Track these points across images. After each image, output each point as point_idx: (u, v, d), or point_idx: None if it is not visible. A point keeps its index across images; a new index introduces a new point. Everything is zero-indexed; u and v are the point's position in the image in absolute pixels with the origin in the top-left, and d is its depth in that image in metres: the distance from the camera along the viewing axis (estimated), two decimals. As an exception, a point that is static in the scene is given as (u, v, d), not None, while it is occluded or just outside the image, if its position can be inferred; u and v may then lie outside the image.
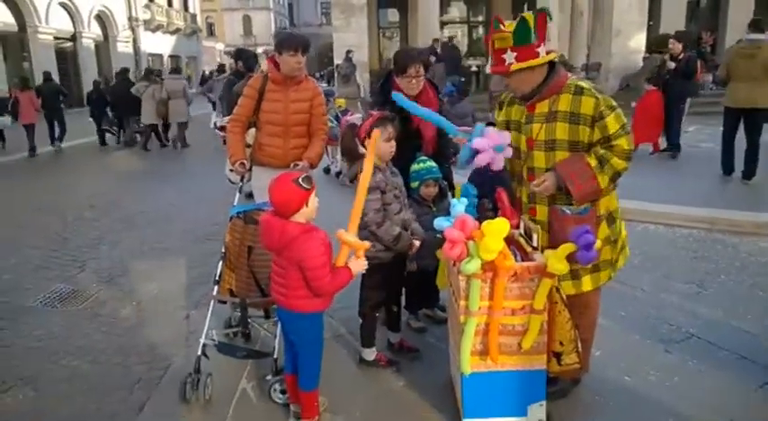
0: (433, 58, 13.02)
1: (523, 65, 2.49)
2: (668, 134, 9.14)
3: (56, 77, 13.99)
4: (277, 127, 3.63)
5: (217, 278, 3.14)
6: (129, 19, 30.27)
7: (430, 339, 3.55)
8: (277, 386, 2.86)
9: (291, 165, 3.49)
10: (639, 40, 16.41)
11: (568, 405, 2.83)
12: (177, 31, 35.92)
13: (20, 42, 22.57)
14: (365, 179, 2.49)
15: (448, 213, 2.95)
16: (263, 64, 6.06)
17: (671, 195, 6.40)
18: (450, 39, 18.90)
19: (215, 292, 3.11)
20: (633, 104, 9.21)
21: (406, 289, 3.48)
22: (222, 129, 7.60)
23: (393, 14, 22.67)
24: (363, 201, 2.50)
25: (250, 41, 46.77)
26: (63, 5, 24.45)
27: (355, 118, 7.66)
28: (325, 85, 22.20)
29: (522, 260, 2.52)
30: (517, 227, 2.70)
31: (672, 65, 8.86)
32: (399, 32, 22.43)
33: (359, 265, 2.47)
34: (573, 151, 2.55)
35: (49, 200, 8.05)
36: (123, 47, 29.48)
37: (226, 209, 6.74)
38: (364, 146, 3.00)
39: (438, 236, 3.15)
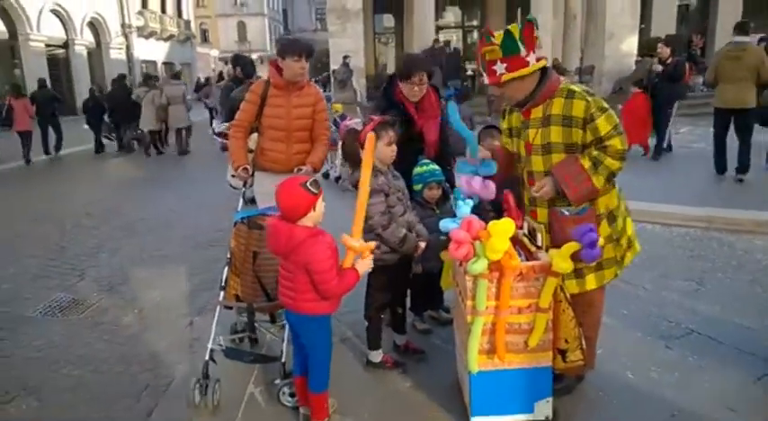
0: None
1: (514, 75, 2.56)
2: (657, 137, 9.20)
3: (48, 86, 13.93)
4: (280, 132, 3.66)
5: (223, 284, 3.15)
6: (122, 26, 30.15)
7: (435, 341, 3.58)
8: (286, 389, 2.88)
9: (295, 169, 3.52)
10: (632, 44, 16.56)
11: (573, 401, 2.86)
12: (171, 37, 35.82)
13: (11, 50, 22.44)
14: (364, 184, 2.51)
15: (451, 215, 3.00)
16: (263, 72, 6.07)
17: (666, 195, 6.49)
18: (447, 43, 18.99)
19: (221, 298, 3.12)
20: (620, 107, 9.30)
21: (411, 291, 3.51)
22: (220, 135, 7.64)
23: (388, 20, 22.79)
24: (365, 205, 2.53)
25: (245, 47, 46.79)
26: (55, 12, 24.32)
27: (354, 123, 7.70)
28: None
29: (527, 259, 2.56)
30: (521, 227, 2.74)
31: (659, 68, 8.99)
32: (395, 38, 22.54)
33: (365, 265, 2.50)
34: (569, 153, 2.61)
35: (45, 208, 8.03)
36: (116, 54, 29.37)
37: (226, 215, 6.78)
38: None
39: (442, 237, 3.20)
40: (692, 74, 14.48)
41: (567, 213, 2.61)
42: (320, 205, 2.46)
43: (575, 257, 2.41)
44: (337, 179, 8.43)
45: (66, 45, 25.42)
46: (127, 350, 3.71)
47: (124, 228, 6.74)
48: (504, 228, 2.34)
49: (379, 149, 2.97)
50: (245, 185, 3.67)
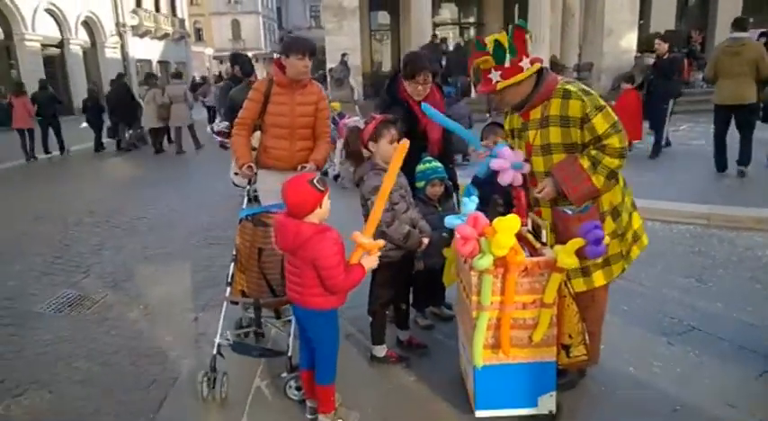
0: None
1: (509, 82, 2.60)
2: (654, 134, 9.22)
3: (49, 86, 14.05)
4: (283, 129, 3.68)
5: (229, 280, 3.18)
6: (117, 25, 30.09)
7: (438, 336, 3.62)
8: (292, 383, 2.92)
9: (299, 167, 3.55)
10: (631, 40, 16.56)
11: (576, 396, 2.90)
12: (165, 36, 35.75)
13: (6, 50, 22.42)
14: (388, 185, 2.53)
15: (453, 213, 3.04)
16: (259, 70, 6.09)
17: (666, 192, 6.53)
18: (444, 40, 19.00)
19: (228, 293, 3.16)
20: (613, 104, 9.34)
21: (413, 287, 3.54)
22: (219, 134, 7.67)
23: (384, 17, 22.77)
24: (383, 206, 2.55)
25: (239, 46, 46.58)
26: (50, 12, 24.29)
27: (353, 121, 7.73)
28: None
29: (531, 256, 2.59)
30: (525, 224, 2.77)
31: (650, 61, 8.98)
32: (390, 35, 22.52)
33: (371, 261, 2.52)
34: (568, 153, 2.63)
35: (48, 207, 8.05)
36: (111, 53, 29.32)
37: (227, 213, 6.87)
38: (368, 148, 3.07)
39: (444, 234, 3.24)
40: (692, 70, 14.57)
41: (569, 212, 2.64)
42: (326, 202, 2.49)
43: (579, 254, 2.44)
44: (336, 177, 8.45)
45: (61, 44, 25.40)
46: (135, 344, 3.76)
47: (126, 226, 6.78)
48: (509, 224, 2.37)
49: (382, 147, 3.01)
50: (249, 183, 3.69)
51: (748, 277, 4.38)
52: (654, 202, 5.90)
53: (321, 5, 18.51)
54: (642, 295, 4.08)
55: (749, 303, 3.90)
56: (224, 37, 52.70)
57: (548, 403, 2.69)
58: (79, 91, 23.81)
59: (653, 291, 4.15)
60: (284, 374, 2.98)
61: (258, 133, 3.83)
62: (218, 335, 3.06)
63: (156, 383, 3.26)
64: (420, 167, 3.42)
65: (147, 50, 33.36)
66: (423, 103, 3.30)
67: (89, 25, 27.77)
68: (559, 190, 2.62)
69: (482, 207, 2.81)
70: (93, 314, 4.27)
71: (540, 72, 2.65)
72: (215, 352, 3.02)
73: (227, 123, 7.32)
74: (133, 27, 31.40)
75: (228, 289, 3.17)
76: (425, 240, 3.09)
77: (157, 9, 35.58)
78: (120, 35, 30.33)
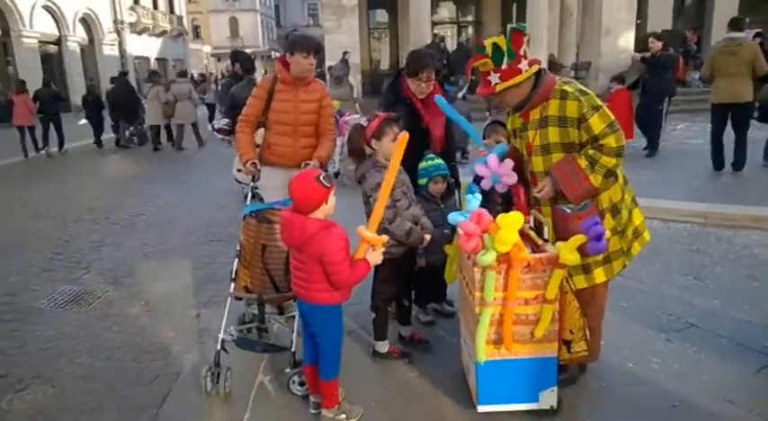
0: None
1: (508, 84, 2.65)
2: (649, 134, 9.19)
3: (40, 82, 14.03)
4: (287, 126, 3.70)
5: (233, 275, 3.20)
6: (115, 22, 30.02)
7: (439, 332, 3.65)
8: (296, 378, 2.94)
9: (302, 164, 3.56)
10: (628, 39, 16.59)
11: (576, 391, 2.92)
12: (163, 33, 35.68)
13: (3, 47, 22.34)
14: (389, 180, 2.56)
15: (455, 210, 3.07)
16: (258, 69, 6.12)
17: (664, 191, 6.56)
18: (442, 38, 19.03)
19: (231, 289, 3.18)
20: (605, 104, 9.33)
21: (415, 284, 3.57)
22: (220, 131, 7.69)
23: (382, 15, 22.74)
24: (386, 201, 2.58)
25: (237, 43, 46.55)
26: (47, 9, 24.19)
27: (353, 119, 7.74)
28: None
29: (534, 252, 2.62)
30: (527, 221, 2.80)
31: (637, 56, 9.01)
32: (389, 33, 22.51)
33: (376, 257, 2.55)
34: (567, 152, 2.67)
35: (47, 203, 8.06)
36: (109, 50, 29.24)
37: (227, 210, 6.89)
38: (371, 146, 3.10)
39: (446, 231, 3.27)
40: (686, 70, 14.60)
41: (568, 210, 2.67)
42: (332, 199, 2.52)
43: (581, 251, 2.47)
44: (336, 174, 8.47)
45: (58, 41, 25.28)
46: (137, 340, 3.78)
47: (126, 223, 6.79)
48: (513, 220, 2.40)
49: (384, 145, 3.04)
50: (253, 180, 3.71)
51: (745, 275, 4.42)
52: (652, 201, 5.89)
53: (320, 4, 18.54)
54: (641, 292, 4.11)
55: (746, 301, 3.93)
56: (222, 34, 52.59)
57: (549, 398, 2.72)
58: (76, 88, 23.81)
59: (652, 289, 4.18)
60: (287, 369, 3.00)
61: (261, 130, 3.85)
62: (222, 331, 3.08)
63: (159, 378, 3.28)
64: (422, 164, 3.44)
65: (145, 48, 33.29)
66: (436, 95, 3.34)
67: (87, 22, 27.68)
68: (558, 189, 2.66)
69: (485, 204, 2.85)
70: (94, 310, 4.29)
71: (538, 73, 2.69)
72: (219, 347, 3.04)
73: (227, 120, 7.34)
74: (131, 24, 31.33)
75: (233, 284, 3.19)
76: (427, 237, 3.12)
77: (155, 6, 35.49)
78: (118, 32, 30.25)
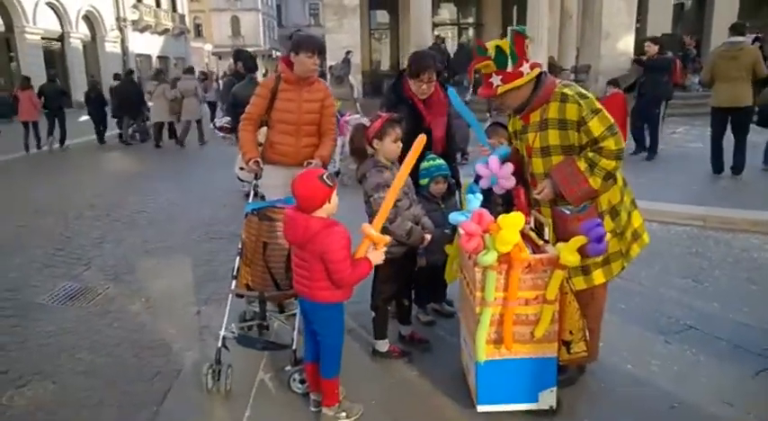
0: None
1: (509, 86, 2.68)
2: (650, 137, 9.18)
3: (43, 78, 14.11)
4: (289, 126, 3.71)
5: (234, 273, 3.21)
6: (118, 19, 30.06)
7: (439, 332, 3.66)
8: (296, 376, 2.95)
9: (305, 163, 3.58)
10: (628, 43, 16.63)
11: (575, 392, 2.94)
12: (165, 31, 35.72)
13: (6, 42, 22.38)
14: (400, 181, 2.59)
15: (456, 210, 3.09)
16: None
17: (664, 194, 6.59)
18: (443, 40, 19.06)
19: (233, 286, 3.19)
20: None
21: (415, 284, 3.58)
22: (221, 129, 7.71)
23: (383, 16, 22.79)
24: (393, 200, 2.60)
25: (238, 42, 46.55)
26: (50, 5, 24.23)
27: (354, 118, 7.76)
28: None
29: (534, 253, 2.64)
30: (528, 222, 2.82)
31: (632, 57, 8.99)
32: (390, 34, 22.54)
33: (377, 256, 2.57)
34: (567, 154, 2.70)
35: (48, 199, 8.06)
36: (111, 47, 29.27)
37: (228, 208, 6.89)
38: (372, 146, 3.11)
39: (447, 231, 3.28)
40: (685, 74, 14.63)
41: (567, 212, 2.69)
42: (335, 198, 2.54)
43: (581, 252, 2.49)
44: (336, 174, 8.49)
45: (61, 38, 25.33)
46: (138, 336, 3.79)
47: (127, 220, 6.80)
48: (514, 221, 2.42)
49: (386, 145, 3.05)
50: (255, 178, 3.72)
51: (744, 278, 4.44)
52: (651, 204, 5.93)
53: (321, 4, 18.56)
54: (640, 295, 4.13)
55: (745, 304, 3.95)
56: (223, 33, 52.62)
57: (548, 399, 2.73)
58: (78, 85, 23.81)
59: (651, 291, 4.20)
60: (288, 367, 3.01)
61: (264, 129, 3.86)
62: (224, 328, 3.09)
63: (159, 375, 3.29)
64: (424, 165, 3.46)
65: (147, 45, 33.33)
66: (449, 89, 3.39)
67: (89, 19, 27.73)
68: (558, 191, 2.68)
69: (485, 204, 2.86)
70: (95, 306, 4.30)
71: (539, 76, 2.72)
72: (220, 344, 3.05)
73: (228, 119, 7.36)
74: (133, 22, 31.37)
75: (234, 282, 3.20)
76: (428, 237, 3.13)
77: (158, 4, 35.53)
78: (121, 30, 30.29)
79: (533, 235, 2.78)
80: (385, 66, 22.67)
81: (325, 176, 2.48)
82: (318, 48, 3.61)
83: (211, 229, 6.24)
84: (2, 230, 6.44)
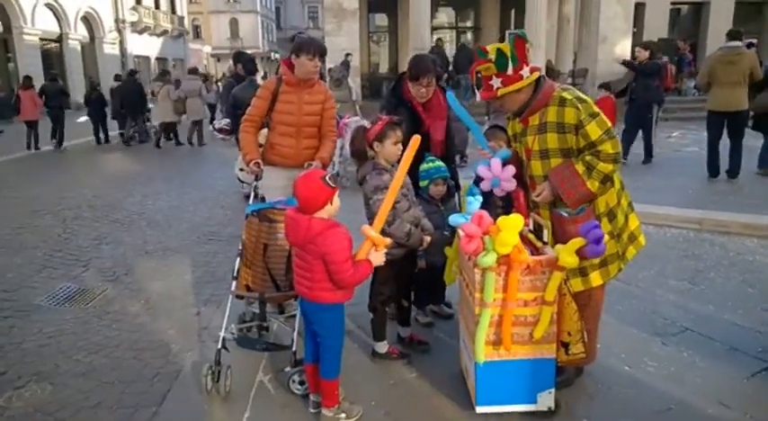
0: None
1: (509, 89, 2.71)
2: (644, 141, 9.16)
3: (42, 79, 14.17)
4: (290, 127, 3.74)
5: (235, 274, 3.23)
6: (116, 20, 30.08)
7: (438, 333, 3.68)
8: (296, 377, 2.96)
9: (305, 164, 3.60)
10: (625, 47, 16.73)
11: (573, 393, 2.96)
12: (164, 33, 35.75)
13: (5, 43, 22.36)
14: (398, 181, 2.61)
15: (455, 212, 3.11)
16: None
17: (660, 197, 6.63)
18: (443, 43, 19.13)
19: (233, 287, 3.20)
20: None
21: (414, 285, 3.60)
22: (221, 131, 7.73)
23: (382, 19, 22.82)
24: (393, 202, 2.62)
25: (237, 44, 46.53)
26: (49, 6, 24.22)
27: (353, 121, 7.78)
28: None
29: (533, 255, 2.66)
30: (527, 224, 2.84)
31: (620, 59, 9.08)
32: (388, 37, 22.58)
33: (378, 258, 2.58)
34: (565, 157, 2.73)
35: (47, 200, 8.04)
36: (110, 48, 29.27)
37: (227, 209, 6.90)
38: (372, 148, 3.13)
39: (446, 233, 3.31)
40: (677, 79, 14.71)
41: (565, 215, 2.72)
42: (337, 199, 2.55)
43: (579, 254, 2.51)
44: (336, 175, 8.50)
45: (59, 39, 25.32)
46: (137, 337, 3.78)
47: (126, 221, 6.80)
48: (513, 223, 2.44)
49: (386, 148, 3.07)
50: (256, 179, 3.74)
51: (739, 280, 4.47)
52: (648, 207, 5.96)
53: (321, 6, 18.57)
54: (637, 297, 4.16)
55: (740, 306, 3.99)
56: (222, 35, 52.64)
57: (547, 400, 2.74)
58: (76, 86, 23.83)
59: (647, 293, 4.23)
60: (288, 368, 3.02)
61: (265, 130, 3.88)
62: (223, 329, 3.10)
63: (159, 376, 3.29)
64: (423, 166, 3.48)
65: (146, 47, 33.34)
66: (448, 92, 3.41)
67: (88, 20, 27.74)
68: (556, 193, 2.71)
69: (485, 206, 2.89)
70: (93, 307, 4.29)
71: (538, 80, 2.75)
72: (220, 345, 3.05)
73: (227, 120, 7.38)
74: (132, 23, 31.38)
75: (234, 283, 3.21)
76: (427, 238, 3.15)
77: (157, 6, 35.57)
78: (119, 31, 30.31)
79: (532, 237, 2.80)
80: (384, 69, 22.69)
81: (327, 178, 2.50)
82: (319, 50, 3.63)
83: (210, 231, 6.24)
84: (0, 231, 6.43)
